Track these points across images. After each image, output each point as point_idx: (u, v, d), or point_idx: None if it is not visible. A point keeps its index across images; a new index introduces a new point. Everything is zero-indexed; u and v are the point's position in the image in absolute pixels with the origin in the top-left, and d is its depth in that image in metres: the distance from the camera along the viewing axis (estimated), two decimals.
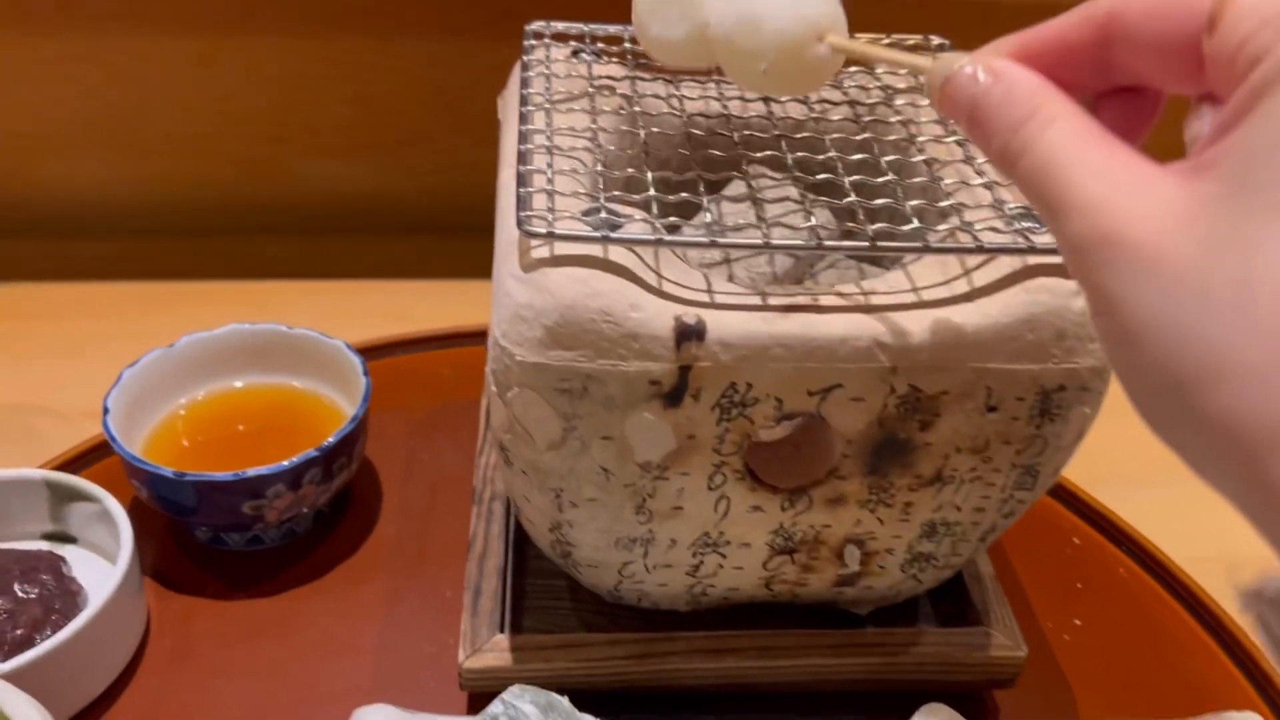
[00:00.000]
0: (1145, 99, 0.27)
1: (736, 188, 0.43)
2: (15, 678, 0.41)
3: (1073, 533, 0.55)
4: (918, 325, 0.36)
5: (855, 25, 0.47)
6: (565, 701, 0.36)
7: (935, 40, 0.49)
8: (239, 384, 0.57)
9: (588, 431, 0.37)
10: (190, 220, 0.80)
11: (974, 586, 0.47)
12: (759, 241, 0.36)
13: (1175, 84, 0.25)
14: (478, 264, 0.61)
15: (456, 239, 0.78)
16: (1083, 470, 0.58)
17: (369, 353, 0.63)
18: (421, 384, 0.64)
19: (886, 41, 0.50)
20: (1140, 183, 0.22)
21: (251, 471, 0.48)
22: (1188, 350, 0.21)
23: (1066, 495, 0.57)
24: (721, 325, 0.35)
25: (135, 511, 0.51)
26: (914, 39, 0.50)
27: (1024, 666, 0.45)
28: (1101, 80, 0.27)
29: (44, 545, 0.50)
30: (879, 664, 0.44)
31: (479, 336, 0.67)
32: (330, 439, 0.50)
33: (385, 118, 0.77)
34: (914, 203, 0.38)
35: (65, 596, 0.46)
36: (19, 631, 0.44)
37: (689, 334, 0.35)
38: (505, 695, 0.36)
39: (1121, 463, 0.62)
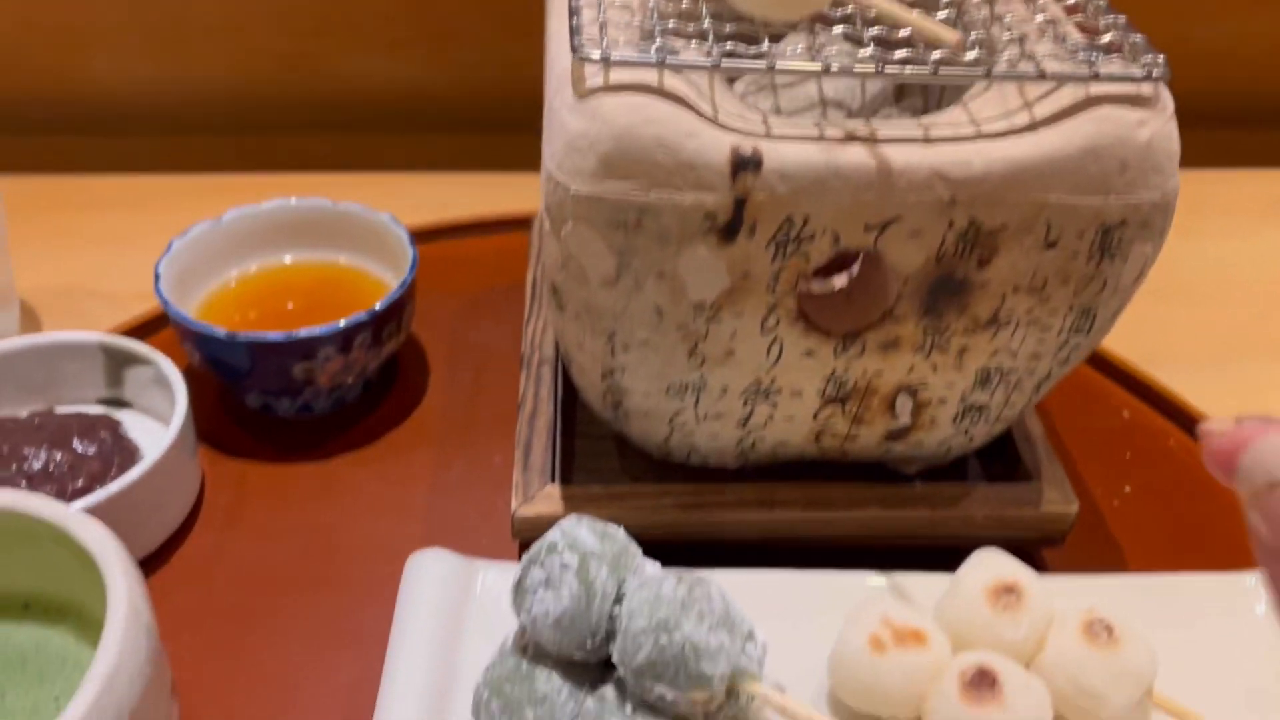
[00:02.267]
0: None
1: (794, 34, 0.42)
2: None
3: (1122, 406, 0.55)
4: (978, 156, 0.35)
5: None
6: (621, 531, 0.37)
7: None
8: (287, 259, 0.57)
9: (642, 268, 0.37)
10: (232, 116, 0.80)
11: (1025, 447, 0.47)
12: (817, 67, 0.35)
13: None
14: (519, 158, 0.61)
15: (498, 134, 0.78)
16: (1137, 350, 0.57)
17: (414, 239, 0.63)
18: (466, 268, 0.64)
19: None
20: None
21: (303, 332, 0.48)
22: None
23: (1116, 371, 0.56)
24: (779, 155, 0.35)
25: (188, 381, 0.52)
26: None
27: (1074, 524, 0.45)
28: None
29: (100, 410, 0.51)
30: (927, 517, 0.44)
31: (522, 223, 0.67)
32: (379, 303, 0.50)
33: (427, 12, 0.76)
34: (974, 34, 0.38)
35: (124, 454, 0.47)
36: (79, 483, 0.45)
37: (745, 164, 0.35)
38: (562, 524, 0.36)
39: (1177, 344, 0.61)
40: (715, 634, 0.33)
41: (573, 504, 0.43)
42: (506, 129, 0.70)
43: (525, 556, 0.36)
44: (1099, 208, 0.36)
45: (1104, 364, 0.57)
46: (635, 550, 0.37)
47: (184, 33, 0.76)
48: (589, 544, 0.35)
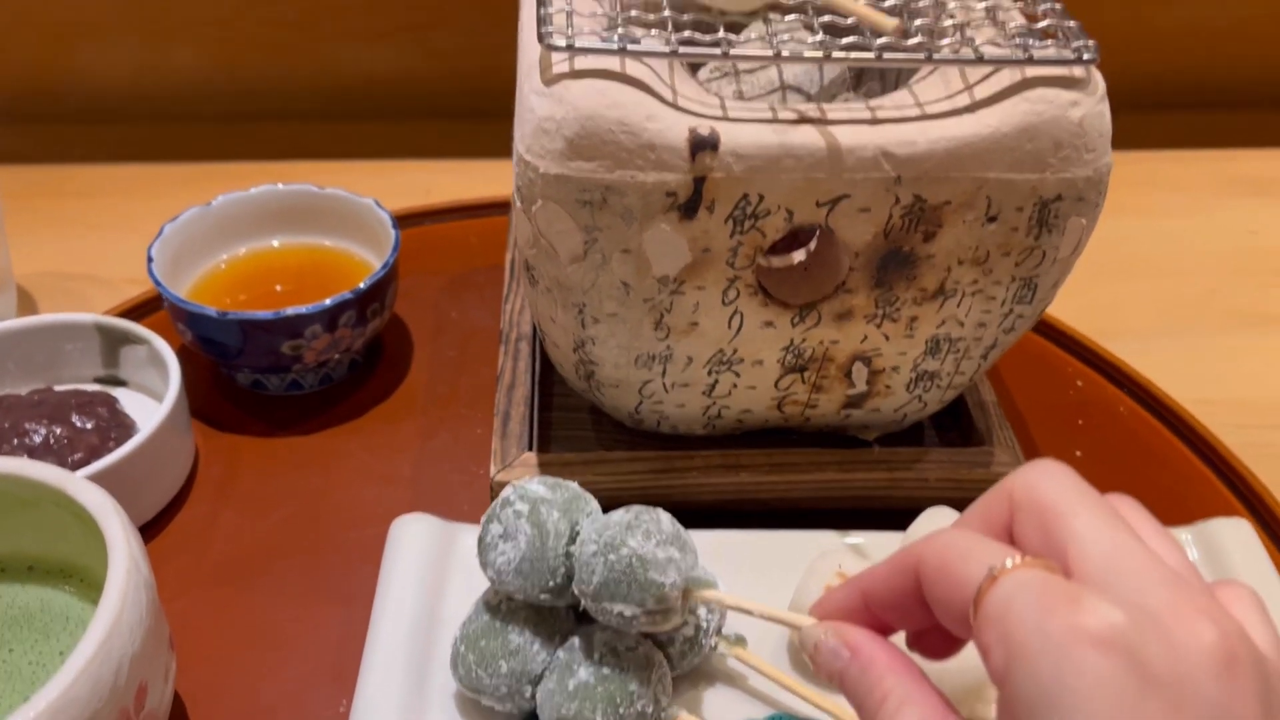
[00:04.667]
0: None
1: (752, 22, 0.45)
2: None
3: (1076, 377, 0.57)
4: (921, 136, 0.38)
5: None
6: (575, 484, 0.39)
7: None
8: (275, 243, 0.60)
9: (608, 244, 0.39)
10: (219, 105, 0.82)
11: (978, 414, 0.49)
12: (769, 52, 0.38)
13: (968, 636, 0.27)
14: (501, 145, 0.63)
15: (479, 122, 0.80)
16: (1092, 324, 0.60)
17: (397, 222, 0.65)
18: (449, 251, 0.66)
19: None
20: None
21: (290, 310, 0.50)
22: None
23: (1070, 343, 0.59)
24: (734, 136, 0.37)
25: (181, 363, 0.54)
26: None
27: None
28: (932, 618, 0.28)
29: (96, 388, 0.53)
30: (884, 479, 0.47)
31: (503, 206, 0.69)
32: (362, 283, 0.52)
33: (410, 1, 0.78)
34: (919, 21, 0.40)
35: (120, 428, 0.49)
36: (78, 455, 0.47)
37: (703, 144, 0.37)
38: (515, 482, 0.38)
39: (1131, 318, 0.64)
40: (663, 549, 0.35)
41: (548, 470, 0.46)
42: (489, 116, 0.72)
43: (484, 516, 0.38)
44: (1036, 183, 0.39)
45: (1059, 337, 0.59)
46: (589, 499, 0.39)
47: (172, 24, 0.78)
48: (539, 493, 0.38)
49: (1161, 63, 0.81)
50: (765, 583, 0.42)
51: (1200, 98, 0.82)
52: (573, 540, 0.37)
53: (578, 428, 0.51)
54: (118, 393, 0.53)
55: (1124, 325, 0.62)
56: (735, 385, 0.45)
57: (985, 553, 0.26)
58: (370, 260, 0.59)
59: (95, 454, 0.48)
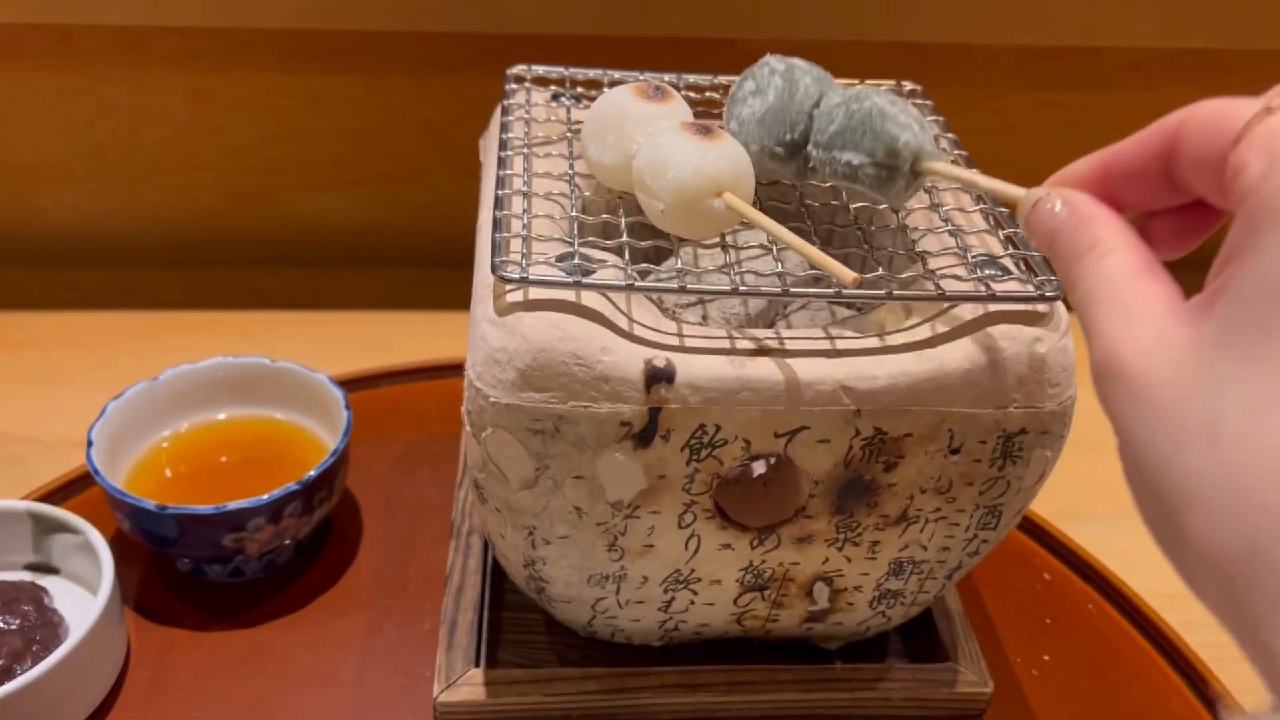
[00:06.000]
0: (1209, 211, 0.28)
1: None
2: None
3: (1044, 568, 0.56)
4: (881, 370, 0.37)
5: (836, 67, 0.48)
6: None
7: (908, 85, 0.50)
8: (222, 416, 0.58)
9: (560, 471, 0.38)
10: (180, 251, 0.81)
11: (943, 623, 0.48)
12: (727, 288, 0.37)
13: (1225, 200, 0.25)
14: (463, 296, 0.62)
15: (443, 271, 0.79)
16: (1057, 505, 0.59)
17: (352, 384, 0.64)
18: (404, 416, 0.65)
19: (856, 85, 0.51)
20: (1154, 317, 0.24)
21: (232, 505, 0.48)
22: (1167, 479, 0.23)
23: (1038, 531, 0.58)
24: (690, 368, 0.36)
25: (118, 541, 0.52)
26: (888, 84, 0.51)
27: (991, 702, 0.45)
28: (1169, 195, 0.28)
29: (26, 575, 0.51)
30: (846, 700, 0.45)
31: (461, 368, 0.68)
32: (311, 472, 0.50)
33: (374, 152, 0.78)
34: (881, 250, 0.39)
35: (46, 627, 0.47)
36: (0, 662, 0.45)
37: (659, 377, 0.36)
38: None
39: (1095, 499, 0.63)
40: (905, 114, 0.36)
41: (495, 689, 0.44)
42: (454, 264, 0.72)
43: (740, 76, 0.41)
44: (999, 418, 0.38)
45: (1027, 524, 0.58)
46: (840, 86, 0.40)
47: (135, 169, 0.77)
48: (796, 61, 0.40)
49: None
50: None
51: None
52: (817, 104, 0.39)
53: (530, 631, 0.49)
54: (48, 581, 0.51)
55: (1089, 507, 0.61)
56: (693, 602, 0.43)
57: (1259, 103, 0.24)
58: (321, 435, 0.57)
59: (18, 659, 0.45)
